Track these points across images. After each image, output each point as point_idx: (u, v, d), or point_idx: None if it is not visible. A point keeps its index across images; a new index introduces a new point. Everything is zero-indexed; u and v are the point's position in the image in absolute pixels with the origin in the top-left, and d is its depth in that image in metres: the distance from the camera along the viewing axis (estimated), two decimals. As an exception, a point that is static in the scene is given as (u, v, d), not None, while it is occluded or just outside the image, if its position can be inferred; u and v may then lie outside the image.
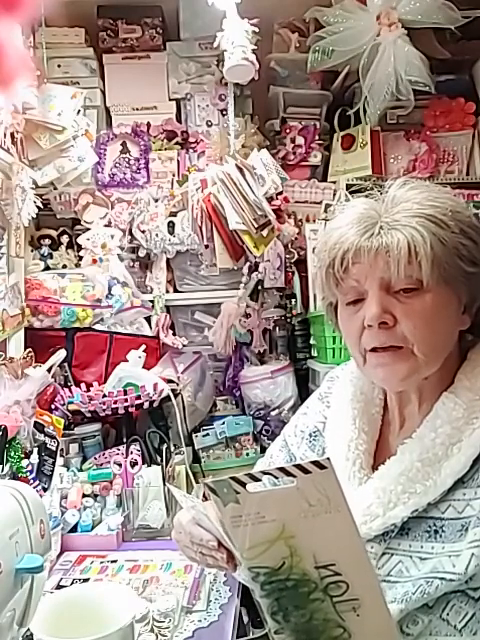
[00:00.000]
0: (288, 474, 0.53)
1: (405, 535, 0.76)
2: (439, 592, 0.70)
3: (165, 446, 1.65)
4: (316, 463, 0.52)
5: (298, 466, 0.53)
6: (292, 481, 0.53)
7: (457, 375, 0.81)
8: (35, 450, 1.41)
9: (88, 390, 1.66)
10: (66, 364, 1.74)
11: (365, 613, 0.54)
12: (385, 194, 0.81)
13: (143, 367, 1.72)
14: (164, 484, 1.46)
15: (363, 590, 0.53)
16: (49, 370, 1.62)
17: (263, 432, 1.96)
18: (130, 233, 1.99)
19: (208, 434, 1.92)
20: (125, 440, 1.63)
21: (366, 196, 0.83)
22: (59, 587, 1.17)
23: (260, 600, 0.54)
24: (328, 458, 0.54)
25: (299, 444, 0.97)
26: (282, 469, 0.53)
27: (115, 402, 1.60)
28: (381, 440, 0.88)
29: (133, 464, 1.47)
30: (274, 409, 1.96)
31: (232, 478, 0.54)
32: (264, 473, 0.54)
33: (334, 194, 2.09)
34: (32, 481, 1.35)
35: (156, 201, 2.02)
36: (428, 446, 0.76)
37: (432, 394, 0.81)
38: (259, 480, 0.54)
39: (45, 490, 1.37)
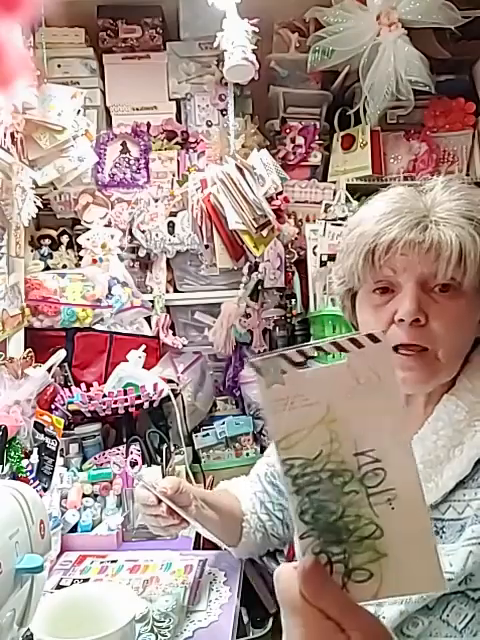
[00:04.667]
0: (341, 349, 0.49)
1: (406, 536, 0.76)
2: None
3: (165, 446, 1.64)
4: (370, 336, 0.49)
5: (352, 340, 0.49)
6: (344, 357, 0.49)
7: (459, 377, 0.80)
8: (35, 450, 1.41)
9: (88, 390, 1.66)
10: (66, 364, 1.74)
11: (400, 507, 0.49)
12: (428, 191, 0.79)
13: (143, 367, 1.72)
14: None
15: (401, 479, 0.50)
16: (49, 370, 1.62)
17: (263, 432, 1.96)
18: (130, 233, 1.99)
19: (208, 434, 1.92)
20: (125, 440, 1.63)
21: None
22: (59, 587, 1.17)
23: (290, 497, 0.51)
24: (383, 331, 0.51)
25: None
26: (335, 343, 0.50)
27: (115, 402, 1.60)
28: None
29: (133, 464, 1.47)
30: (274, 409, 1.95)
31: (282, 355, 0.51)
32: (316, 348, 0.51)
33: (334, 194, 2.09)
34: (32, 481, 1.35)
35: (156, 201, 2.02)
36: (430, 448, 0.76)
37: (437, 396, 0.80)
38: (309, 357, 0.51)
39: (45, 490, 1.36)
